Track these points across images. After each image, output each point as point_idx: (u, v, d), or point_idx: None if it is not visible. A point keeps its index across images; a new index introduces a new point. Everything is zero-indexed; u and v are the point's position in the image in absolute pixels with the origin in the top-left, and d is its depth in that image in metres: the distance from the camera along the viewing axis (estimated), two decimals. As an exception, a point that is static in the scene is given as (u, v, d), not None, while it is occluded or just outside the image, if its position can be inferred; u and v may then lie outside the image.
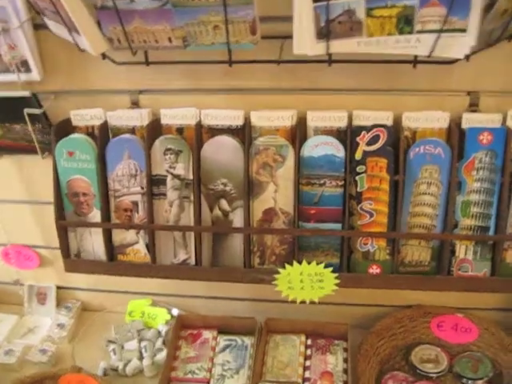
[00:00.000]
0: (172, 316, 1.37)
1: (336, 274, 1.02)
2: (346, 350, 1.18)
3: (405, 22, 0.72)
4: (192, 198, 1.03)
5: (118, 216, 1.06)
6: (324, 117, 1.00)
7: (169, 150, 1.01)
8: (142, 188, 1.04)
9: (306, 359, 1.16)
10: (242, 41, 0.78)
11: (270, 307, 1.25)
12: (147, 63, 0.91)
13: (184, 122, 1.03)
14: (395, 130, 0.98)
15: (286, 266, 1.03)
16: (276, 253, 1.06)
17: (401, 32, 0.73)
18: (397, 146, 0.98)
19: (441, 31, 0.71)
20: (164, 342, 1.30)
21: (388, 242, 1.03)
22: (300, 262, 1.03)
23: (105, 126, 1.03)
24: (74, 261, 1.09)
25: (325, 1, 0.70)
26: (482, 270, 1.03)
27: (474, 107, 1.00)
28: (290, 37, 0.77)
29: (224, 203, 1.03)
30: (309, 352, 1.17)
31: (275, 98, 1.04)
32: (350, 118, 1.00)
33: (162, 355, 1.26)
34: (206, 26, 0.77)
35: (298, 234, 1.02)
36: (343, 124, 1.00)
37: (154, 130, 1.02)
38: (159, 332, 1.34)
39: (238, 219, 1.04)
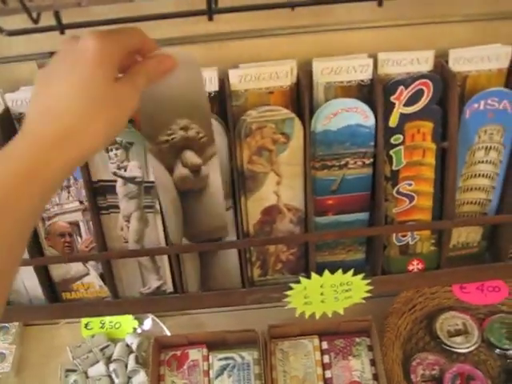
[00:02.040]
0: (140, 323, 1.09)
1: (367, 281, 0.76)
2: (371, 348, 0.94)
3: None
4: (158, 206, 0.71)
5: (52, 244, 0.72)
6: (338, 67, 0.67)
7: (113, 143, 0.67)
8: (82, 202, 0.70)
9: (325, 369, 0.92)
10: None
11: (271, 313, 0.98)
12: (61, 29, 0.52)
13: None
14: (442, 78, 0.68)
15: (301, 279, 0.75)
16: (282, 259, 0.78)
17: None
18: (443, 100, 0.68)
19: None
20: (137, 360, 1.02)
21: (434, 229, 0.76)
22: (316, 268, 0.76)
23: (7, 117, 0.67)
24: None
25: None
26: (550, 248, 0.79)
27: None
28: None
29: (190, 155, 0.65)
30: (327, 359, 0.93)
31: (260, 44, 0.70)
32: (375, 65, 0.68)
33: (138, 379, 1.00)
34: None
35: (316, 239, 0.73)
36: (367, 75, 0.68)
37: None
38: (128, 346, 1.06)
39: (215, 174, 0.66)
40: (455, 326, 1.07)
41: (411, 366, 1.00)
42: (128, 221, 0.71)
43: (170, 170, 0.65)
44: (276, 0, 0.57)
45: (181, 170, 0.65)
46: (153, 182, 0.69)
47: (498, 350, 1.02)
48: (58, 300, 0.76)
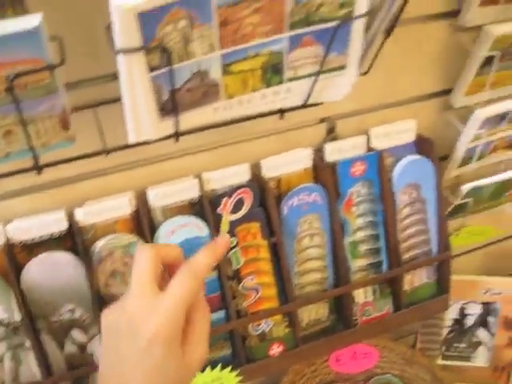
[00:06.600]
0: None
1: (235, 372, 0.83)
2: None
3: (273, 72, 0.54)
4: (28, 344, 0.74)
5: None
6: (170, 191, 0.78)
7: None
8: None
9: None
10: (52, 141, 0.53)
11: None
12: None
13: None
14: (258, 184, 0.81)
15: None
16: (155, 372, 0.83)
17: (269, 84, 0.55)
18: (264, 202, 0.82)
19: (319, 73, 0.55)
20: None
21: (282, 313, 0.86)
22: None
23: None
24: None
25: (165, 67, 0.48)
26: (383, 308, 0.92)
27: (333, 134, 0.87)
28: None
29: (77, 334, 0.76)
30: None
31: (98, 182, 0.79)
32: (201, 184, 0.80)
33: None
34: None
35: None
36: (195, 194, 0.80)
37: None
38: None
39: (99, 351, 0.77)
40: (336, 399, 1.15)
41: None
42: (1, 362, 0.73)
43: (61, 345, 0.76)
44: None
45: (69, 346, 0.76)
46: (20, 321, 0.73)
47: (379, 411, 1.11)
48: None
